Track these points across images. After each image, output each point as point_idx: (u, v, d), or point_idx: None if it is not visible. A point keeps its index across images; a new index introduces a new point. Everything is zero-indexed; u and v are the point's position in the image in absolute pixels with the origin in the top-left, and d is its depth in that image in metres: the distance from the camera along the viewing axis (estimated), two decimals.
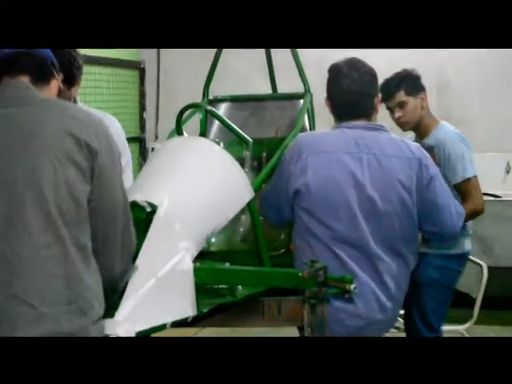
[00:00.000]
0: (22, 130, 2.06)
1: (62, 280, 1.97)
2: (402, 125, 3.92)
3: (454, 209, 3.03)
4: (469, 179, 3.80)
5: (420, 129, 3.94)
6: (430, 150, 3.64)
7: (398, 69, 3.98)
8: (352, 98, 3.00)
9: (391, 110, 3.91)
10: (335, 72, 3.06)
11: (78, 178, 2.03)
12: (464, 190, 3.80)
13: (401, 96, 3.86)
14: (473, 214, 3.77)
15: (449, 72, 6.52)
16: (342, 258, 2.87)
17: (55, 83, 2.33)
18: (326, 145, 2.98)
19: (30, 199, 1.98)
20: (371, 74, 3.07)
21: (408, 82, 3.90)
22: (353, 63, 3.04)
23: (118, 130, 3.27)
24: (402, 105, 3.87)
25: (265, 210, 3.10)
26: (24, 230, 1.96)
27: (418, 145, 3.03)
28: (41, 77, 2.26)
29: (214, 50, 3.58)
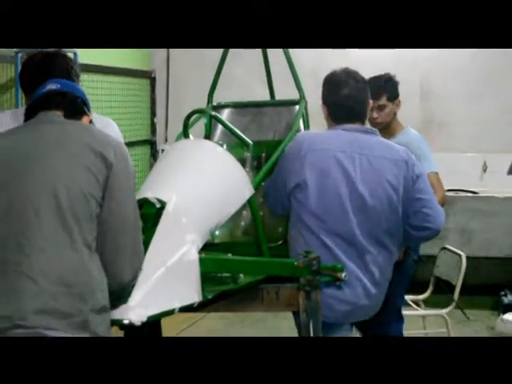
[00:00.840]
0: (48, 140, 2.14)
1: (67, 265, 1.98)
2: (376, 125, 3.89)
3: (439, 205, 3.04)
4: (432, 173, 3.79)
5: (387, 130, 3.90)
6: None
7: (374, 70, 3.95)
8: (350, 103, 3.00)
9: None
10: (334, 80, 3.06)
11: (91, 182, 2.06)
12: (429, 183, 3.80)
13: (382, 100, 3.86)
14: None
15: (432, 80, 6.52)
16: (331, 249, 2.86)
17: (86, 119, 2.38)
18: (323, 143, 2.98)
19: (46, 193, 2.02)
20: (365, 82, 3.09)
21: (390, 87, 3.91)
22: (349, 72, 3.05)
23: (116, 132, 3.26)
24: (381, 108, 3.87)
25: (267, 200, 3.13)
26: (37, 219, 1.99)
27: (405, 148, 3.02)
28: (73, 113, 2.32)
29: (217, 61, 3.56)
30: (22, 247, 1.96)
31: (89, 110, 2.41)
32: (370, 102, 3.18)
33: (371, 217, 2.88)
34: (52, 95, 2.31)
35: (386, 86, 3.88)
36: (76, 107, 2.34)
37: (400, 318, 3.83)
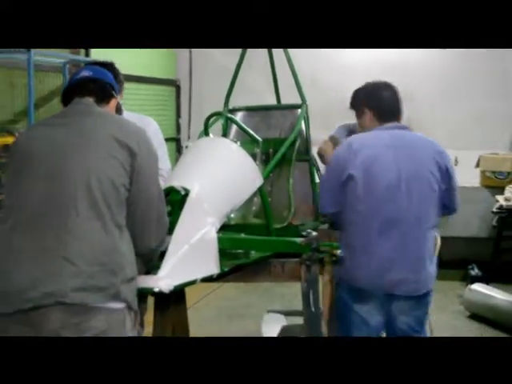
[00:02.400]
0: (79, 133, 2.12)
1: (100, 247, 1.96)
2: (366, 130, 3.82)
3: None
4: None
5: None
6: None
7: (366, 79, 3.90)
8: (390, 104, 3.01)
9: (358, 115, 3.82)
10: (376, 88, 3.07)
11: (118, 171, 2.04)
12: None
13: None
14: None
15: (411, 86, 6.46)
16: (378, 231, 2.78)
17: (114, 102, 2.34)
18: (368, 141, 2.93)
19: (80, 184, 1.99)
20: (395, 88, 3.09)
21: None
22: (383, 82, 3.09)
23: (155, 129, 3.29)
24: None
25: (321, 196, 3.07)
26: (73, 208, 1.96)
27: (434, 141, 2.99)
28: (102, 98, 2.28)
29: (232, 71, 3.56)
30: (62, 234, 1.94)
31: (117, 93, 2.38)
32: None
33: (413, 201, 2.78)
34: (85, 82, 2.27)
35: None
36: (105, 92, 2.31)
37: None
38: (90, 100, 2.23)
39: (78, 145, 2.06)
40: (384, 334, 3.08)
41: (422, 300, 2.88)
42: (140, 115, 3.23)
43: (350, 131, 3.97)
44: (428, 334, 3.14)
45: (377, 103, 3.03)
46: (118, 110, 2.44)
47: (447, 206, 2.95)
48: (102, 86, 2.29)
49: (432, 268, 2.89)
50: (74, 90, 2.25)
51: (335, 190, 2.89)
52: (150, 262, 2.27)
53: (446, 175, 2.83)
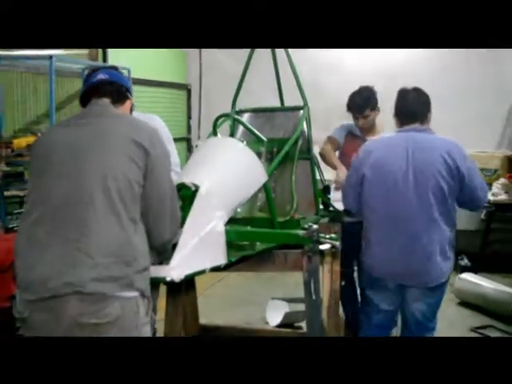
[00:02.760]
0: (96, 134, 2.09)
1: (116, 241, 1.98)
2: (363, 130, 3.88)
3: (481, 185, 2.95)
4: None
5: (371, 132, 3.88)
6: None
7: (362, 83, 3.91)
8: (409, 107, 3.01)
9: (356, 118, 3.85)
10: (399, 94, 3.08)
11: (133, 169, 2.04)
12: None
13: (367, 112, 3.81)
14: None
15: None
16: (390, 224, 2.85)
17: (128, 103, 2.35)
18: (383, 143, 3.02)
19: (97, 183, 2.00)
20: (425, 93, 3.07)
21: (371, 100, 3.83)
22: (414, 87, 3.08)
23: (161, 126, 3.23)
24: (365, 117, 3.82)
25: (344, 194, 3.14)
26: (90, 204, 1.98)
27: (450, 140, 2.97)
28: (118, 99, 2.28)
29: (239, 76, 3.50)
30: (81, 229, 1.96)
31: (131, 94, 2.37)
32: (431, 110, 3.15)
33: (422, 199, 2.79)
34: (102, 84, 2.26)
35: (369, 100, 3.82)
36: (121, 94, 2.30)
37: None
38: (106, 101, 2.23)
39: (96, 145, 2.06)
40: (399, 321, 3.12)
41: (435, 290, 2.91)
42: (146, 114, 3.18)
43: (348, 131, 4.02)
44: (437, 323, 3.13)
45: (396, 108, 3.05)
46: (131, 111, 2.43)
47: (467, 204, 2.97)
48: (117, 88, 2.29)
49: (445, 264, 2.88)
50: (91, 92, 2.25)
51: (355, 188, 2.98)
52: (164, 253, 2.26)
53: (458, 175, 2.80)
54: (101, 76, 2.29)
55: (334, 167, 3.88)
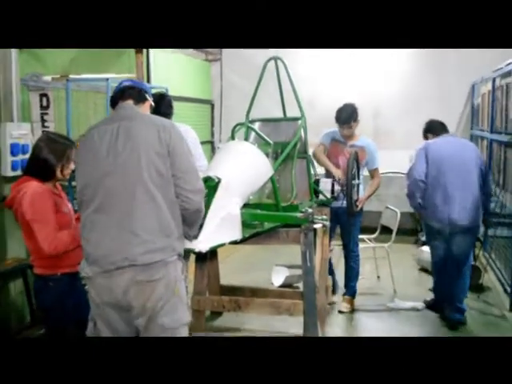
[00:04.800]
0: (129, 135, 2.01)
1: (156, 221, 1.96)
2: (346, 137, 3.92)
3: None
4: (377, 167, 3.96)
5: (351, 138, 3.92)
6: (361, 148, 3.85)
7: (346, 100, 3.96)
8: (441, 125, 3.88)
9: (342, 127, 3.88)
10: (431, 121, 3.94)
11: (159, 160, 1.97)
12: (374, 173, 3.98)
13: (351, 123, 3.85)
14: (377, 187, 3.97)
15: (380, 105, 6.41)
16: (444, 192, 3.55)
17: (148, 103, 2.24)
18: (438, 141, 3.70)
19: (134, 175, 1.97)
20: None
21: (354, 114, 3.87)
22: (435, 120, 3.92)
23: (193, 136, 3.27)
24: (350, 126, 3.86)
25: (415, 168, 3.65)
26: (132, 195, 1.95)
27: (473, 144, 4.05)
28: (139, 99, 2.21)
29: (251, 94, 3.42)
30: (128, 215, 1.94)
31: (149, 96, 2.26)
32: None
33: (465, 179, 3.55)
34: (126, 89, 2.19)
35: (352, 114, 3.86)
36: (141, 96, 2.20)
37: (357, 245, 4.03)
38: (130, 102, 2.14)
39: (128, 147, 1.98)
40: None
41: (471, 230, 3.58)
42: (181, 125, 3.10)
43: (332, 138, 3.99)
44: (471, 261, 3.85)
45: (435, 126, 3.87)
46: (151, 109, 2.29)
47: (485, 190, 3.68)
48: (138, 91, 2.20)
49: (479, 213, 3.61)
50: (118, 96, 2.18)
51: (423, 166, 3.59)
52: (195, 224, 2.13)
53: (481, 171, 3.60)
54: (125, 83, 2.23)
55: (324, 165, 3.90)
